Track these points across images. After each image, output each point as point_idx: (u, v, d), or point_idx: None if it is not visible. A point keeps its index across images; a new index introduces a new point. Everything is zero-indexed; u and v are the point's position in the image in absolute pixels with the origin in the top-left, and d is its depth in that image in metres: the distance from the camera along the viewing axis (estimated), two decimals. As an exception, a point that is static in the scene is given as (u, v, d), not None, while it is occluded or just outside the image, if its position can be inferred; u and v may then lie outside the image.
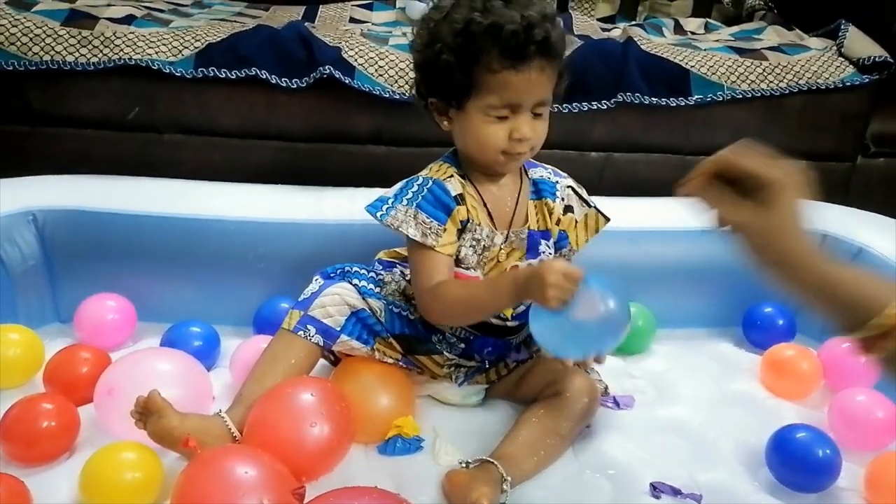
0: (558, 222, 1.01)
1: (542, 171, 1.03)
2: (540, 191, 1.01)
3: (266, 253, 1.21)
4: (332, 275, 1.03)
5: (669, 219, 1.32)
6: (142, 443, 0.86)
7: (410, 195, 0.94)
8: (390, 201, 0.94)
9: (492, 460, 0.89)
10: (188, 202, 1.24)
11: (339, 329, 0.97)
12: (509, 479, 0.87)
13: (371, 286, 1.01)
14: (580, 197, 1.03)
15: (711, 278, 1.30)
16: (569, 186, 1.03)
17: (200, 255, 1.21)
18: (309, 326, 0.96)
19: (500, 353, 1.04)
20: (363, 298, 0.99)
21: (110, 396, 0.93)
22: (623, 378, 1.16)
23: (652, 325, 1.25)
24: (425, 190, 0.94)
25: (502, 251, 0.98)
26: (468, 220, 0.95)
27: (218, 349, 1.14)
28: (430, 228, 0.92)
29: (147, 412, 0.86)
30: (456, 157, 0.98)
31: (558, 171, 1.05)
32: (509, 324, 1.01)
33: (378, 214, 0.94)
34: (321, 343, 0.96)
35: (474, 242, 0.96)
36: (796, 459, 0.92)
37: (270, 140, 1.42)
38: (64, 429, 0.92)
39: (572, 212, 1.02)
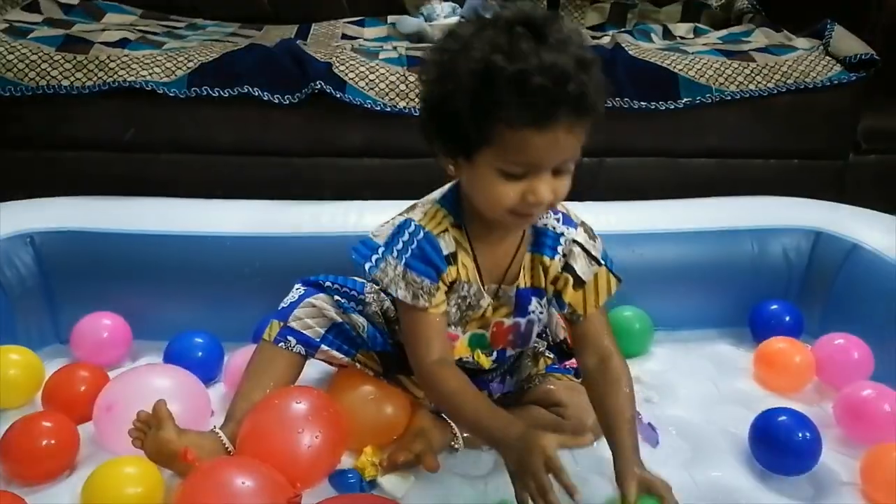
0: (554, 281, 0.90)
1: (549, 219, 0.90)
2: (540, 244, 0.89)
3: (263, 267, 1.22)
4: (311, 283, 1.02)
5: (663, 221, 1.33)
6: (142, 458, 0.87)
7: (401, 246, 0.85)
8: (380, 251, 0.85)
9: (450, 421, 0.94)
10: (185, 220, 1.25)
11: (318, 340, 0.97)
12: (461, 441, 0.93)
13: (351, 303, 1.00)
14: (589, 255, 0.89)
15: (707, 279, 1.30)
16: (575, 241, 0.89)
17: (198, 271, 1.22)
18: (289, 338, 0.97)
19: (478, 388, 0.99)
20: (344, 312, 0.99)
21: (109, 413, 0.94)
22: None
23: (650, 327, 1.25)
24: (415, 243, 0.84)
25: (490, 307, 0.91)
26: (455, 281, 0.87)
27: (222, 360, 1.15)
28: (421, 288, 0.84)
29: (148, 425, 0.86)
30: (455, 199, 0.87)
31: (571, 216, 0.91)
32: (486, 368, 0.97)
33: (367, 266, 0.85)
34: (303, 352, 0.97)
35: (459, 300, 0.88)
36: (776, 441, 0.93)
37: (265, 156, 1.44)
38: (64, 447, 0.92)
39: (572, 272, 0.89)
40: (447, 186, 0.90)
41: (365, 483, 0.91)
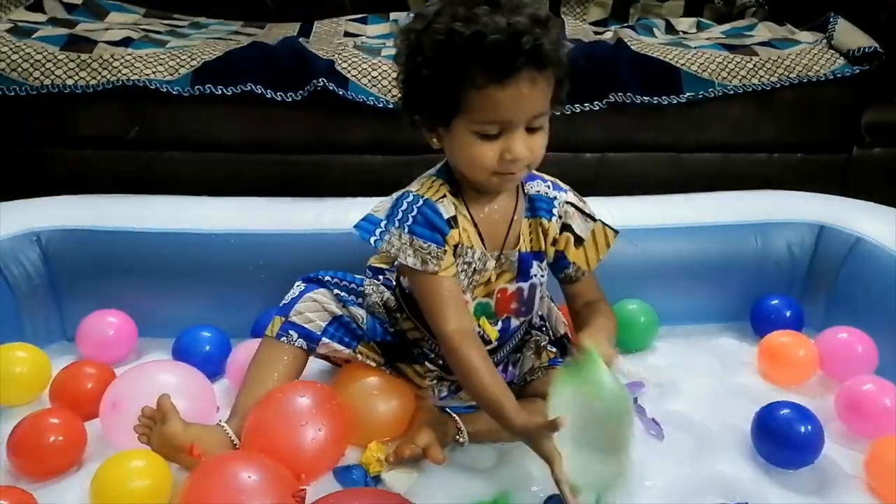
0: (554, 242, 0.94)
1: (540, 186, 0.95)
2: (535, 209, 0.93)
3: (266, 264, 1.23)
4: (312, 280, 1.03)
5: (666, 216, 1.33)
6: (150, 451, 0.88)
7: (401, 215, 0.88)
8: (383, 224, 0.88)
9: (454, 414, 0.95)
10: (189, 217, 1.26)
11: (320, 333, 0.98)
12: (465, 436, 0.94)
13: (352, 297, 1.01)
14: (582, 213, 0.95)
15: (711, 274, 1.30)
16: (568, 202, 0.95)
17: (202, 268, 1.23)
18: (291, 332, 0.98)
19: None
20: (344, 306, 1.00)
21: (115, 409, 0.95)
22: (627, 375, 1.16)
23: (654, 321, 1.25)
24: (416, 210, 0.87)
25: (493, 272, 0.93)
26: (459, 244, 0.89)
27: (229, 354, 1.16)
28: (429, 253, 0.86)
29: (153, 420, 0.87)
30: (448, 171, 0.92)
31: (559, 183, 0.97)
32: (490, 347, 0.97)
33: (372, 240, 0.88)
34: (305, 347, 0.98)
35: (465, 266, 0.90)
36: (777, 434, 0.94)
37: (268, 153, 1.45)
38: (71, 443, 0.93)
39: (571, 231, 0.94)
40: (440, 163, 0.93)
41: (370, 479, 0.91)
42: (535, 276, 0.95)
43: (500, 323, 0.96)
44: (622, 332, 1.21)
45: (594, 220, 0.95)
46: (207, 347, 1.14)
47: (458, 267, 0.90)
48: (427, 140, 0.89)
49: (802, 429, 0.93)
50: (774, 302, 1.26)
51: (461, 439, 0.96)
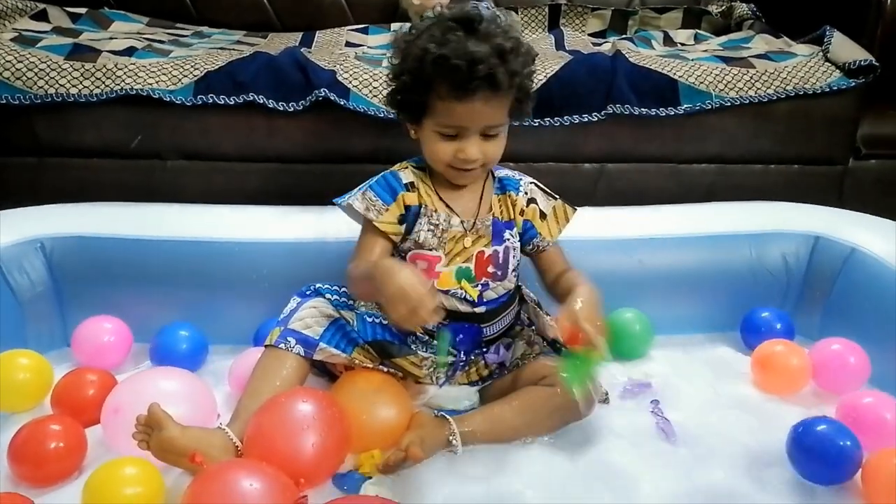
0: (522, 213, 1.09)
1: (507, 172, 1.12)
2: (504, 186, 1.09)
3: (269, 273, 1.24)
4: (307, 293, 1.08)
5: (663, 227, 1.35)
6: (143, 458, 0.88)
7: (371, 181, 1.06)
8: (353, 191, 1.05)
9: (448, 417, 0.99)
10: (192, 226, 1.27)
11: (317, 338, 1.01)
12: (458, 439, 0.96)
13: (343, 300, 1.07)
14: (544, 191, 1.11)
15: (707, 284, 1.32)
16: (532, 182, 1.11)
17: (205, 276, 1.24)
18: (289, 339, 1.00)
19: (473, 342, 1.07)
20: (337, 309, 1.04)
21: (117, 415, 0.95)
22: (621, 384, 1.17)
23: (650, 331, 1.26)
24: (382, 177, 1.06)
25: (468, 237, 1.05)
26: (421, 206, 1.04)
27: (205, 350, 1.19)
28: (374, 205, 1.02)
29: (149, 428, 0.88)
30: (422, 159, 1.07)
31: (523, 174, 1.13)
32: (477, 310, 1.06)
33: (339, 200, 1.05)
34: (302, 353, 1.00)
35: (432, 227, 1.04)
36: (820, 452, 0.93)
37: (270, 163, 1.46)
38: (71, 450, 0.94)
39: (536, 203, 1.10)
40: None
41: (361, 477, 0.92)
42: (508, 240, 1.08)
43: (479, 287, 1.06)
44: (618, 341, 1.23)
45: (555, 198, 1.11)
46: (184, 346, 1.16)
47: (426, 227, 1.04)
48: (407, 131, 1.05)
49: (842, 444, 0.92)
50: (765, 314, 1.27)
51: (454, 440, 0.97)
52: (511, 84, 0.96)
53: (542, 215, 1.10)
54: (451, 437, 0.97)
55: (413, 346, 1.06)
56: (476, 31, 0.95)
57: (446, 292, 1.04)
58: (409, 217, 1.04)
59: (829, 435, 0.93)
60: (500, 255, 1.07)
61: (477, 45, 0.93)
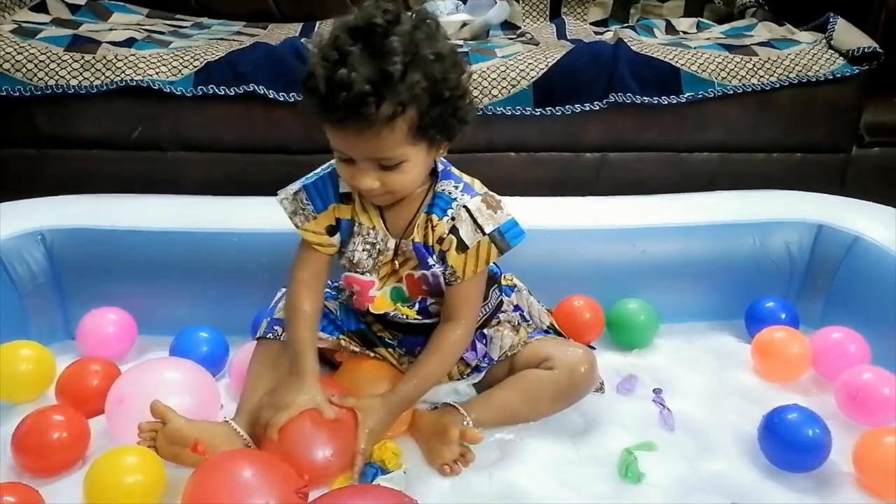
0: (440, 241, 0.94)
1: (449, 186, 0.95)
2: (433, 205, 0.94)
3: (269, 263, 1.24)
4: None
5: (665, 216, 1.34)
6: (145, 447, 0.88)
7: (310, 175, 0.97)
8: (295, 183, 0.98)
9: (454, 404, 0.97)
10: (193, 217, 1.27)
11: None
12: (470, 421, 0.95)
13: (327, 290, 1.05)
14: (475, 222, 0.93)
15: (711, 272, 1.31)
16: (465, 206, 0.93)
17: (206, 267, 1.24)
18: (276, 328, 1.00)
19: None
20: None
21: (121, 405, 0.96)
22: (626, 373, 1.17)
23: (654, 320, 1.26)
24: (321, 174, 0.96)
25: (397, 260, 0.97)
26: (354, 223, 0.95)
27: (227, 356, 1.17)
28: (302, 210, 0.95)
29: (154, 424, 0.88)
30: None
31: (473, 186, 0.96)
32: (428, 321, 1.01)
33: (279, 192, 0.98)
34: None
35: (368, 246, 0.96)
36: (787, 440, 0.94)
37: (271, 153, 1.46)
38: (74, 440, 0.94)
39: (457, 234, 0.93)
40: None
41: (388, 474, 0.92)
42: (434, 266, 0.96)
43: (416, 304, 1.00)
44: (623, 330, 1.24)
45: (483, 233, 0.93)
46: (205, 348, 1.14)
47: (360, 246, 0.96)
48: None
49: (811, 432, 0.93)
50: (769, 304, 1.27)
51: (466, 423, 0.96)
52: (394, 115, 0.79)
53: (463, 246, 0.93)
54: (464, 423, 0.96)
55: (388, 346, 1.05)
56: (371, 46, 0.78)
57: (384, 315, 1.01)
58: (342, 230, 0.96)
59: (797, 423, 0.94)
60: (430, 278, 0.97)
61: (357, 64, 0.77)
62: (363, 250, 0.96)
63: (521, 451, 0.97)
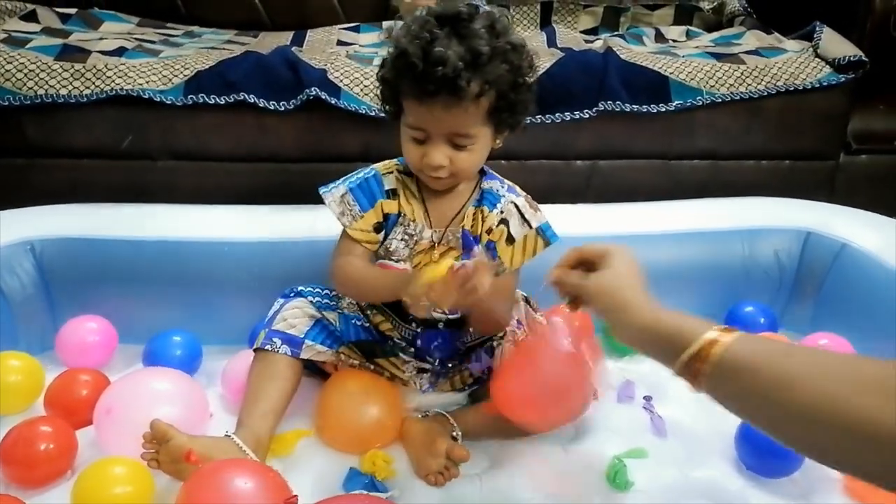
0: (489, 231, 0.99)
1: (495, 184, 1.02)
2: (482, 199, 1.00)
3: (261, 273, 1.24)
4: (289, 294, 1.08)
5: (654, 223, 1.35)
6: (133, 458, 0.87)
7: (353, 178, 1.01)
8: (338, 182, 1.01)
9: (444, 413, 0.99)
10: (184, 226, 1.27)
11: (302, 336, 1.01)
12: (459, 432, 0.97)
13: (325, 301, 1.06)
14: (523, 217, 1.00)
15: (699, 280, 1.32)
16: (514, 203, 1.00)
17: (197, 277, 1.24)
18: (275, 339, 1.00)
19: (450, 348, 1.05)
20: (319, 310, 1.04)
21: (109, 416, 0.95)
22: (617, 379, 1.17)
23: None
24: (363, 176, 1.01)
25: (436, 250, 0.99)
26: (400, 215, 0.99)
27: (200, 358, 1.17)
28: (350, 211, 0.99)
29: (156, 443, 0.86)
30: None
31: (516, 188, 1.03)
32: (452, 316, 1.02)
33: (322, 190, 1.01)
34: (289, 353, 1.00)
35: (406, 237, 1.00)
36: (762, 447, 0.94)
37: (262, 162, 1.46)
38: (62, 451, 0.94)
39: (507, 225, 0.99)
40: None
41: (380, 483, 0.92)
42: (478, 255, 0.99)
43: None
44: (612, 339, 1.23)
45: (531, 227, 1.00)
46: (178, 352, 1.15)
47: (399, 236, 0.99)
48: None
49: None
50: (748, 308, 1.28)
51: (455, 434, 0.97)
52: (481, 92, 0.86)
53: (510, 239, 0.99)
54: (453, 433, 0.96)
55: (395, 350, 1.04)
56: (458, 31, 0.86)
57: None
58: (388, 225, 1.00)
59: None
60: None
61: (449, 45, 0.84)
62: (401, 240, 0.99)
63: (510, 458, 0.98)
